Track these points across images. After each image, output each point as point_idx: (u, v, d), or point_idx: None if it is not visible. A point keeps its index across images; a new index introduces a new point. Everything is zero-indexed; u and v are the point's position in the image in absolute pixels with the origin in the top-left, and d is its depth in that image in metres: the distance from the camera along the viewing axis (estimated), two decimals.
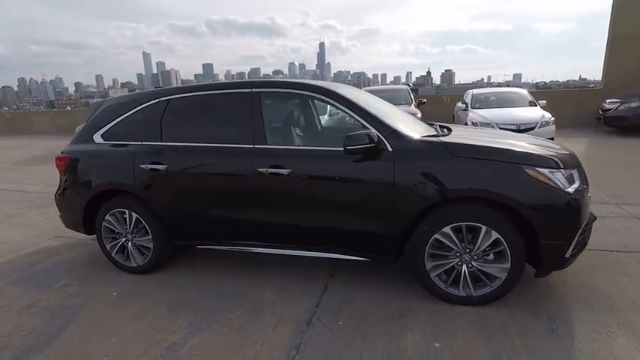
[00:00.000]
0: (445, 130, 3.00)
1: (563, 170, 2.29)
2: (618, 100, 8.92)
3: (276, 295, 2.74)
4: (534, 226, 2.24)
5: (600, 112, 9.34)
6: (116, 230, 3.17)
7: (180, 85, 3.27)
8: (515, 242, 2.30)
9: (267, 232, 2.79)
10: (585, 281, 2.69)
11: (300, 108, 3.37)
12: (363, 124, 2.51)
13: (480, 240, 2.35)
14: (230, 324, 2.43)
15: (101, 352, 2.22)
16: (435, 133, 2.77)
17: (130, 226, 3.10)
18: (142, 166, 2.92)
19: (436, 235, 2.41)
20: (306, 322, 2.41)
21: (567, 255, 2.31)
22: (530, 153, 2.36)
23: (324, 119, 4.18)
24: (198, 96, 2.94)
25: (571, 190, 2.27)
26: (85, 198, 3.14)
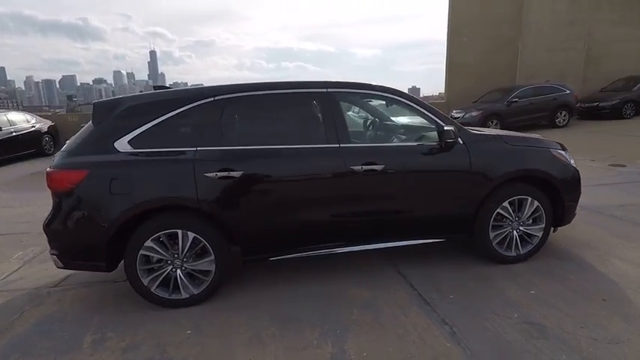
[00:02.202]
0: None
1: (567, 151, 3.21)
2: (462, 110, 11.77)
3: (368, 290, 2.80)
4: (561, 192, 3.05)
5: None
6: (157, 258, 2.58)
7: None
8: (548, 207, 3.07)
9: (357, 230, 2.82)
10: (563, 233, 3.70)
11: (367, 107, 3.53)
12: (437, 123, 2.88)
13: (526, 209, 3.03)
14: (364, 323, 2.40)
15: None
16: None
17: (182, 250, 2.58)
18: (207, 174, 2.51)
19: (498, 210, 2.98)
20: (424, 303, 2.60)
21: (575, 212, 3.23)
22: (548, 140, 3.20)
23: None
24: (265, 95, 2.73)
25: (574, 164, 3.20)
26: (115, 223, 2.46)
